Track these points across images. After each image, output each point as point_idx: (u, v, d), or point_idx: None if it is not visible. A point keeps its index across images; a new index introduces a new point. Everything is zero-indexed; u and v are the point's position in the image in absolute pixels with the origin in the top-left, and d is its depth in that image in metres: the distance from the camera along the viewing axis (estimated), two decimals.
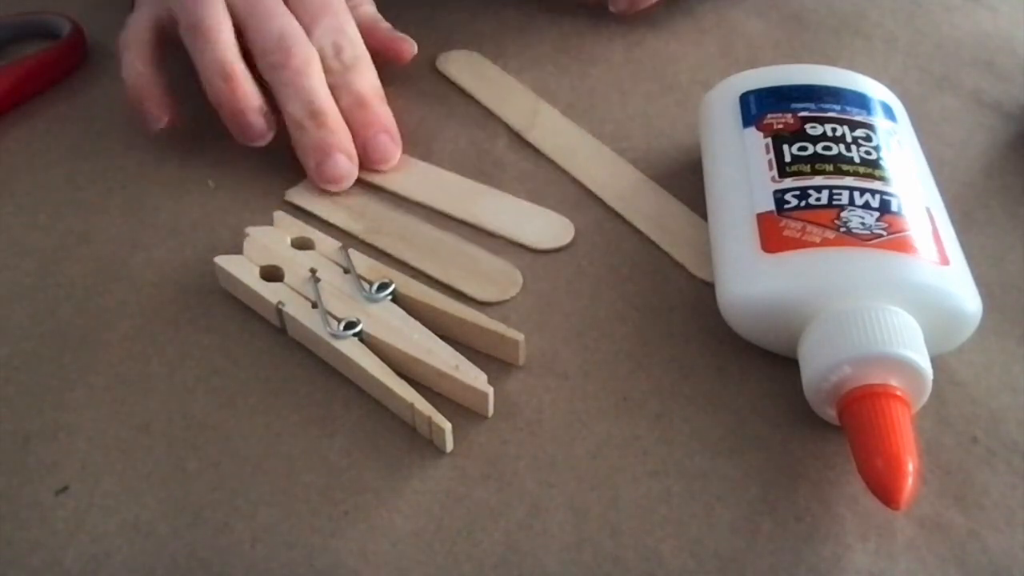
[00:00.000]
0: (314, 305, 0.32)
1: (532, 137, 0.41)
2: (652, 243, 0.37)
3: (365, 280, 0.33)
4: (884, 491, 0.26)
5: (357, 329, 0.31)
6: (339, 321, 0.31)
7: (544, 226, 0.37)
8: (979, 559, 0.27)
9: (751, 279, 0.31)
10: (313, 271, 0.33)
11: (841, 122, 0.34)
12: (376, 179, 0.39)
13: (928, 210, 0.31)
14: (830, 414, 0.29)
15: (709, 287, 0.34)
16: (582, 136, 0.41)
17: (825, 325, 0.29)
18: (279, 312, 0.32)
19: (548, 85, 0.44)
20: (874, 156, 0.33)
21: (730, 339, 0.32)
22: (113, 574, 0.27)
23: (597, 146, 0.41)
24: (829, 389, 0.29)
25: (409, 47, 0.43)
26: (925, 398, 0.29)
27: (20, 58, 0.44)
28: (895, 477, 0.26)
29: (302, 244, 0.35)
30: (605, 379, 0.32)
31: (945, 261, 0.30)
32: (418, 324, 0.32)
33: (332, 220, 0.37)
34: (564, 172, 0.40)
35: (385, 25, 0.44)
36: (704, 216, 0.36)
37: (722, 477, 0.29)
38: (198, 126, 0.42)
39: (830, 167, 0.32)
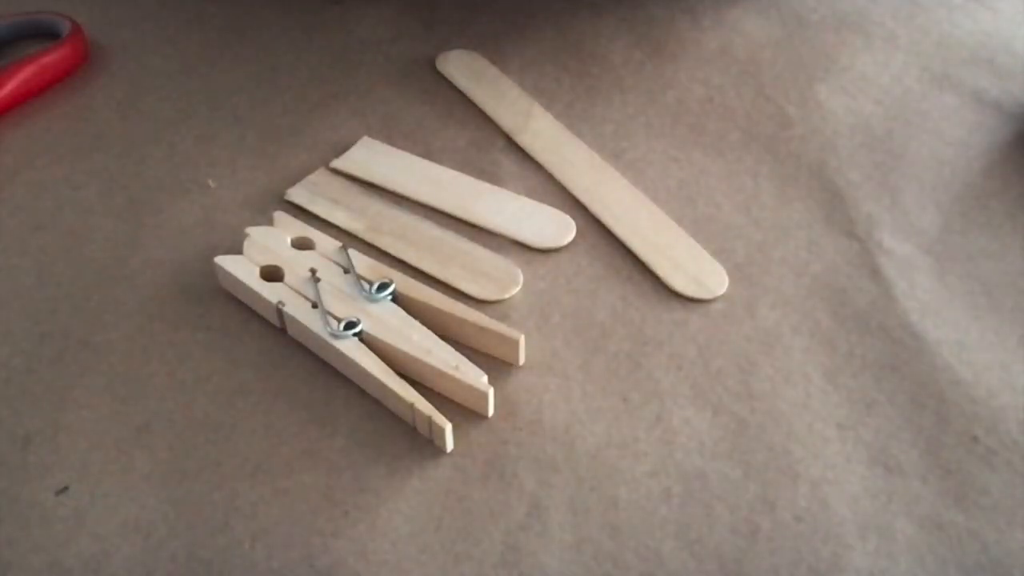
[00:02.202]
0: (314, 305, 0.32)
1: (522, 140, 0.41)
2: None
3: (365, 280, 0.33)
4: None
5: (357, 329, 0.31)
6: (339, 321, 0.31)
7: (545, 224, 0.37)
8: (979, 559, 0.27)
9: None
10: (313, 271, 0.33)
11: None
12: (376, 179, 0.39)
13: None
14: None
15: None
16: (572, 142, 0.41)
17: None
18: (279, 312, 0.32)
19: (548, 85, 0.44)
20: None
21: None
22: (113, 574, 0.27)
23: (587, 152, 0.41)
24: None
25: None
26: None
27: (20, 58, 0.44)
28: None
29: (302, 244, 0.35)
30: (605, 379, 0.32)
31: None
32: (418, 324, 0.32)
33: (332, 220, 0.37)
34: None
35: None
36: None
37: (722, 477, 0.29)
38: (199, 125, 0.42)
39: None
